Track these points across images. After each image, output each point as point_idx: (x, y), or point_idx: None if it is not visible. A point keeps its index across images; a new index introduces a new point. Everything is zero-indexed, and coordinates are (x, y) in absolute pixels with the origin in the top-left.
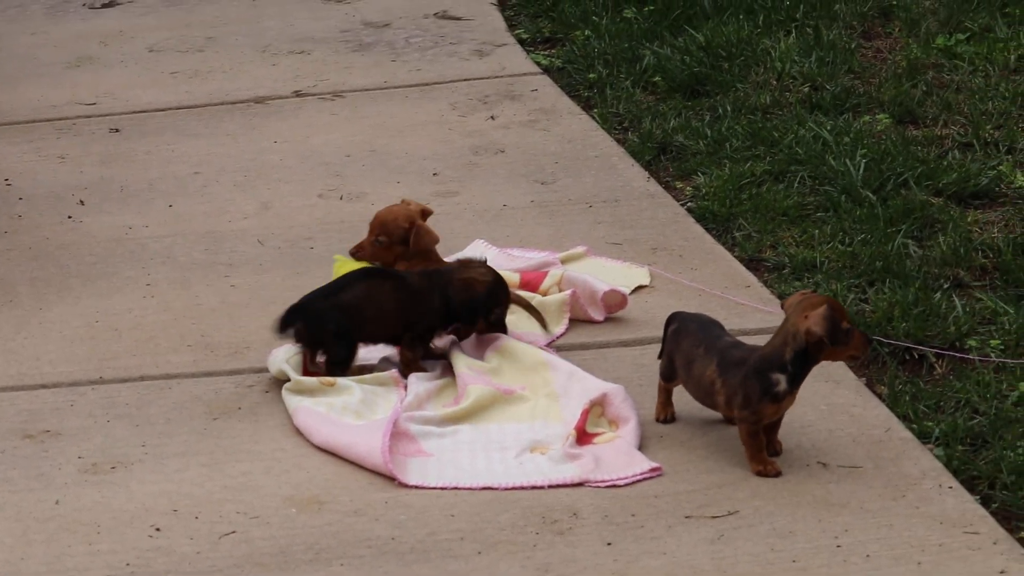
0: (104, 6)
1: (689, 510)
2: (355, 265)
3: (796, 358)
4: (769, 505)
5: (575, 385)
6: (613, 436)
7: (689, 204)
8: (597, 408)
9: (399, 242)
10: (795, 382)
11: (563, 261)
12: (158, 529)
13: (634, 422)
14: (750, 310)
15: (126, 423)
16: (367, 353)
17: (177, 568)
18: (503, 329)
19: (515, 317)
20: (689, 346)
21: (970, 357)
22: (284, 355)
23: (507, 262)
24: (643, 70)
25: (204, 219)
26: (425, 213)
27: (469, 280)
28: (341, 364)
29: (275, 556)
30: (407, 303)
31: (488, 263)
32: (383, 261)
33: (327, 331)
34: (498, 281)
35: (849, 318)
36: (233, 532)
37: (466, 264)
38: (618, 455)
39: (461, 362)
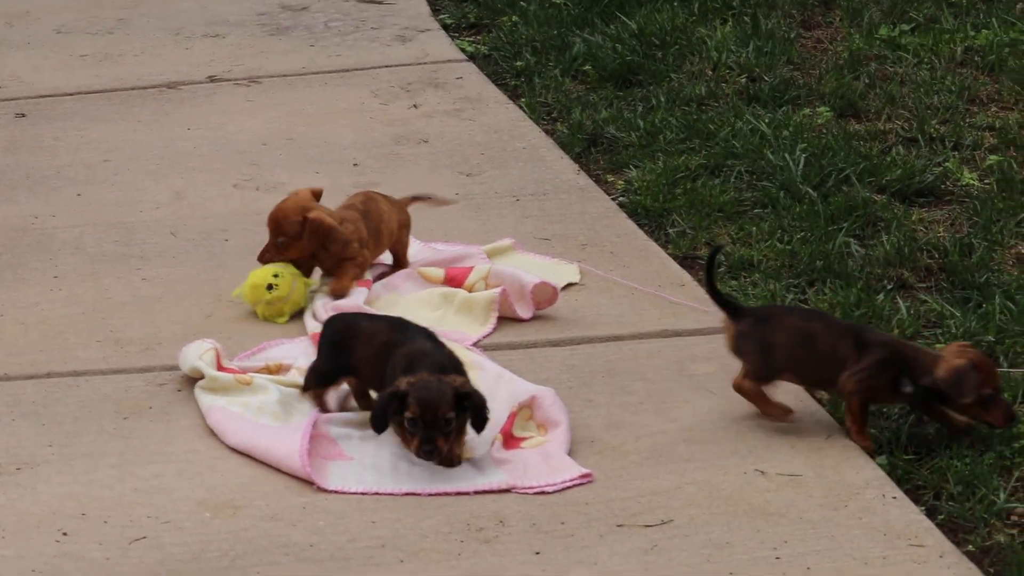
0: None
1: (621, 518)
2: (266, 272)
3: (926, 388)
4: (704, 514)
5: (503, 387)
6: (542, 441)
7: (621, 198)
8: (525, 411)
9: (298, 238)
10: (914, 401)
11: (489, 255)
12: (65, 534)
13: (564, 426)
14: (685, 309)
15: (32, 422)
16: (286, 352)
17: (86, 575)
18: None
19: (440, 313)
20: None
21: None
22: (197, 351)
23: (431, 256)
24: (573, 58)
25: (115, 208)
26: (316, 194)
27: None
28: None
29: (188, 563)
30: None
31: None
32: (293, 259)
33: None
34: None
35: (999, 385)
36: (144, 537)
37: None
38: (547, 460)
39: None
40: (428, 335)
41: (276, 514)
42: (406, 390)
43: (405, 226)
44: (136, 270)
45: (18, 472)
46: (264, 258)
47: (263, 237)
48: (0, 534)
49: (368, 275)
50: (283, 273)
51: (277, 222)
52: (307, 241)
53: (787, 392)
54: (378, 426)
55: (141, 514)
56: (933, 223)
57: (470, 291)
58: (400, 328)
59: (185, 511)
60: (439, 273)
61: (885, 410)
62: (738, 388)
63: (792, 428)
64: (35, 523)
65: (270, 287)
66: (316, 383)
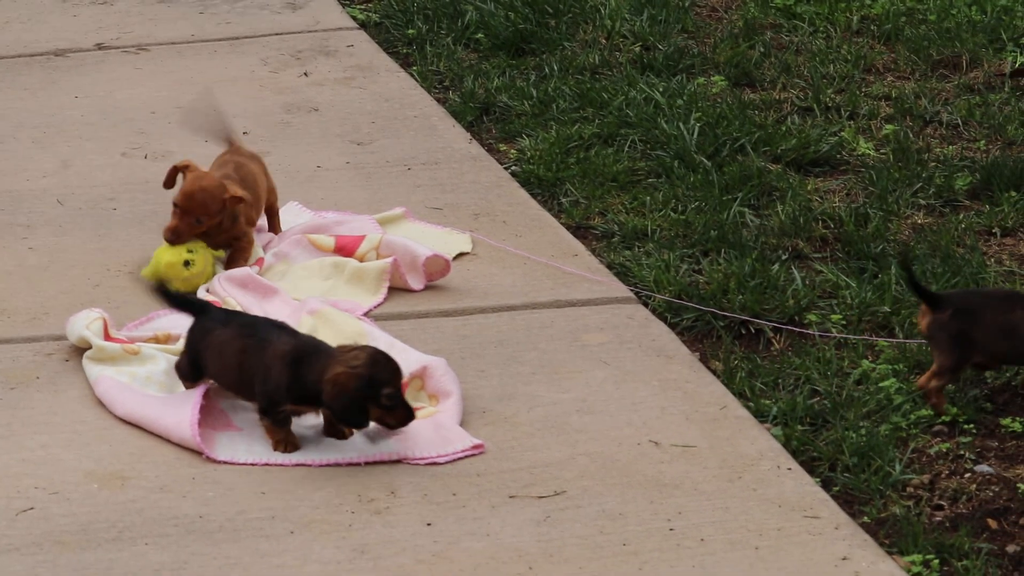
0: None
1: (514, 490)
2: (169, 250)
3: None
4: (598, 485)
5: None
6: (433, 411)
7: (513, 168)
8: (417, 381)
9: (217, 214)
10: None
11: (380, 224)
12: None
13: (456, 396)
14: (577, 279)
15: None
16: (174, 321)
17: None
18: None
19: (331, 283)
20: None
21: (810, 332)
22: (85, 321)
23: (320, 224)
24: (465, 26)
25: (0, 177)
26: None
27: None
28: None
29: (76, 534)
30: None
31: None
32: (201, 232)
33: None
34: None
35: None
36: (31, 508)
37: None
38: (438, 431)
39: None
40: (283, 327)
41: (165, 485)
42: (369, 372)
43: (273, 189)
44: (22, 239)
45: None
46: (180, 240)
47: (151, 206)
48: None
49: (260, 250)
50: (197, 249)
51: (201, 202)
52: (227, 220)
53: (681, 363)
54: (362, 420)
55: (28, 485)
56: (829, 193)
57: (361, 260)
58: (252, 332)
59: (73, 482)
60: (330, 241)
61: (779, 380)
62: (923, 387)
63: (688, 400)
64: None
65: (187, 263)
66: (183, 378)
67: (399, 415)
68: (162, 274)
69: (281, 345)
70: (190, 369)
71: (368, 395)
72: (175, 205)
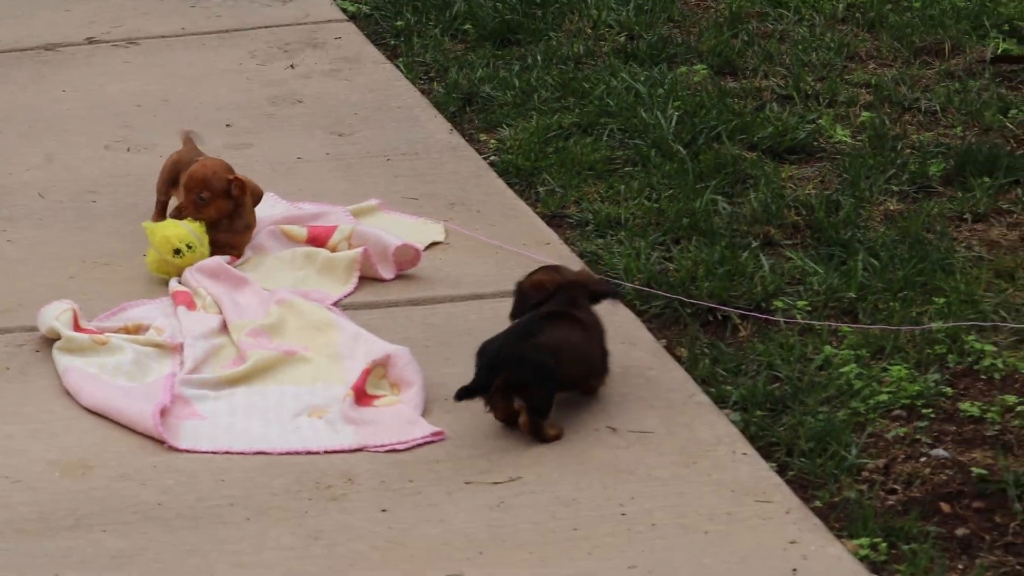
0: None
1: (470, 476)
2: (173, 228)
3: None
4: (553, 472)
5: (360, 347)
6: (395, 400)
7: (492, 158)
8: (379, 369)
9: (221, 196)
10: None
11: (354, 215)
12: None
13: (418, 386)
14: None
15: None
16: (144, 312)
17: None
18: None
19: (303, 274)
20: None
21: (775, 318)
22: (54, 312)
23: (294, 215)
24: (453, 17)
25: None
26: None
27: None
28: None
29: (35, 522)
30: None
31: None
32: (206, 218)
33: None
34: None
35: None
36: None
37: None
38: (398, 419)
39: (238, 329)
40: None
41: (127, 473)
42: None
43: None
44: (1, 232)
45: None
46: (181, 215)
47: (132, 199)
48: None
49: None
50: (196, 248)
51: (204, 179)
52: (229, 203)
53: (644, 350)
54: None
55: None
56: (803, 180)
57: (333, 251)
58: None
59: (36, 471)
60: (302, 232)
61: (742, 366)
62: None
63: (649, 387)
64: None
65: (178, 252)
66: None
67: None
68: (154, 244)
69: None
70: None
71: None
72: (182, 186)
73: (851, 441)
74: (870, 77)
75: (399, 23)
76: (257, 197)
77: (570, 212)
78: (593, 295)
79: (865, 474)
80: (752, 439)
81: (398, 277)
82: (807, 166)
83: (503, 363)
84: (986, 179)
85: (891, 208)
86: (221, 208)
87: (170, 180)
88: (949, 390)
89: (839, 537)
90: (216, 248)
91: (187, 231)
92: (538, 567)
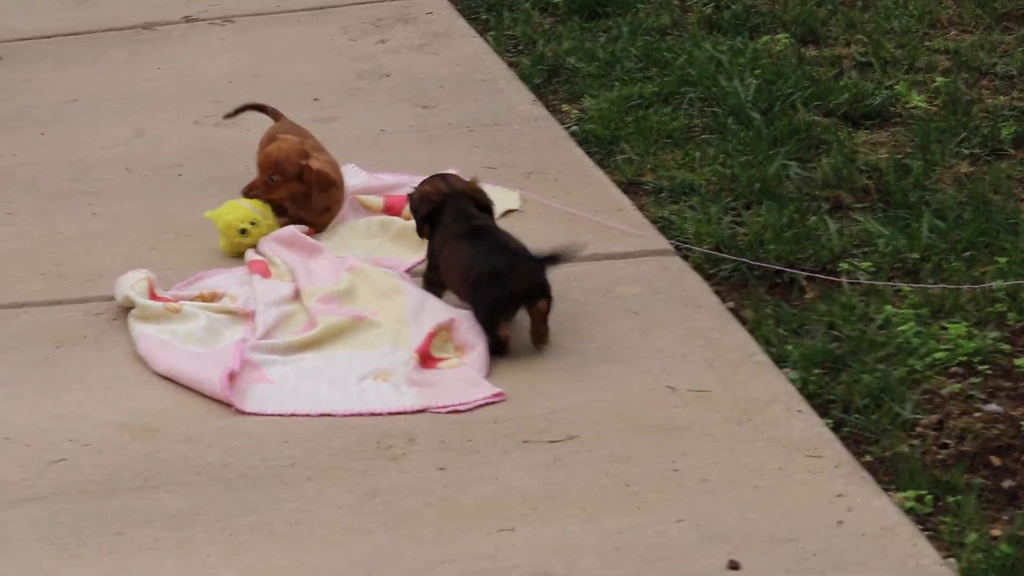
0: None
1: (527, 435)
2: (233, 211)
3: None
4: (609, 430)
5: (425, 311)
6: (458, 363)
7: (573, 128)
8: (444, 333)
9: (293, 179)
10: None
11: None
12: None
13: (481, 348)
14: (617, 234)
15: None
16: (219, 281)
17: (1, 495)
18: None
19: (377, 241)
20: None
21: (838, 280)
22: (130, 281)
23: (372, 185)
24: None
25: (74, 147)
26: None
27: None
28: None
29: (102, 483)
30: None
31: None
32: (275, 199)
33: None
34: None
35: None
36: (63, 460)
37: None
38: (461, 381)
39: (309, 295)
40: None
41: (194, 436)
42: None
43: None
44: (87, 205)
45: None
46: (251, 193)
47: (216, 171)
48: None
49: None
50: (260, 223)
51: (277, 162)
52: (301, 186)
53: (709, 313)
54: None
55: (62, 438)
56: (876, 145)
57: (407, 220)
58: None
59: (106, 435)
60: (378, 201)
61: (804, 326)
62: None
63: (711, 347)
64: None
65: (243, 232)
66: None
67: None
68: (220, 229)
69: None
70: None
71: None
72: (257, 165)
73: (906, 397)
74: (950, 44)
75: None
76: (323, 184)
77: (646, 179)
78: (478, 205)
79: (919, 429)
80: (809, 397)
81: None
82: (881, 131)
83: (541, 280)
84: None
85: (961, 171)
86: (292, 190)
87: None
88: (1007, 347)
89: (886, 490)
90: (297, 224)
91: (248, 209)
92: (588, 522)
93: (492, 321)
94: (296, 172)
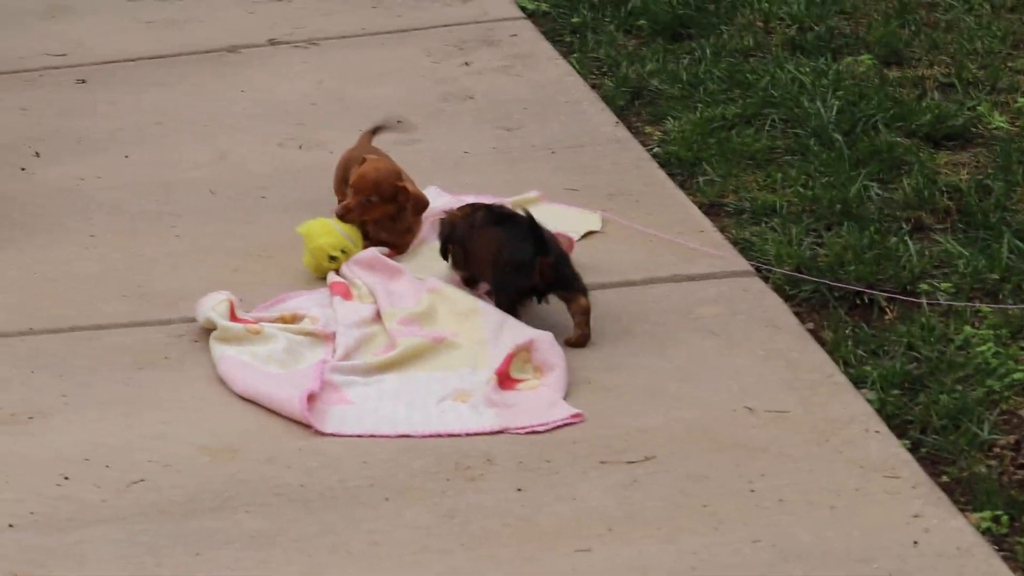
0: None
1: (605, 455)
2: (325, 237)
3: None
4: (687, 450)
5: (505, 332)
6: (537, 384)
7: (656, 149)
8: (523, 354)
9: (388, 200)
10: None
11: (514, 206)
12: (67, 478)
13: (560, 369)
14: (699, 255)
15: (49, 373)
16: (300, 303)
17: (80, 515)
18: None
19: None
20: None
21: (918, 300)
22: (211, 303)
23: (454, 207)
24: (628, 13)
25: (159, 169)
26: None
27: None
28: None
29: (181, 504)
30: None
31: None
32: (371, 219)
33: None
34: None
35: None
36: (142, 480)
37: None
38: (539, 402)
39: (390, 317)
40: None
41: (273, 457)
42: None
43: None
44: (171, 227)
45: (30, 421)
46: (348, 217)
47: (300, 194)
48: (3, 479)
49: None
50: (351, 251)
51: (376, 183)
52: (394, 207)
53: (789, 334)
54: None
55: (142, 459)
56: (957, 166)
57: None
58: None
59: (185, 456)
60: None
61: (885, 348)
62: None
63: (789, 368)
64: (38, 468)
65: (333, 258)
66: None
67: None
68: (309, 249)
69: None
70: None
71: None
72: (350, 186)
73: (984, 418)
74: None
75: (575, 19)
76: (420, 207)
77: (728, 201)
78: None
79: (996, 450)
80: (887, 418)
81: None
82: (963, 152)
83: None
84: None
85: None
86: (386, 211)
87: (343, 178)
88: None
89: (963, 511)
90: (377, 245)
91: (340, 236)
92: (664, 542)
93: (512, 309)
94: (392, 193)
